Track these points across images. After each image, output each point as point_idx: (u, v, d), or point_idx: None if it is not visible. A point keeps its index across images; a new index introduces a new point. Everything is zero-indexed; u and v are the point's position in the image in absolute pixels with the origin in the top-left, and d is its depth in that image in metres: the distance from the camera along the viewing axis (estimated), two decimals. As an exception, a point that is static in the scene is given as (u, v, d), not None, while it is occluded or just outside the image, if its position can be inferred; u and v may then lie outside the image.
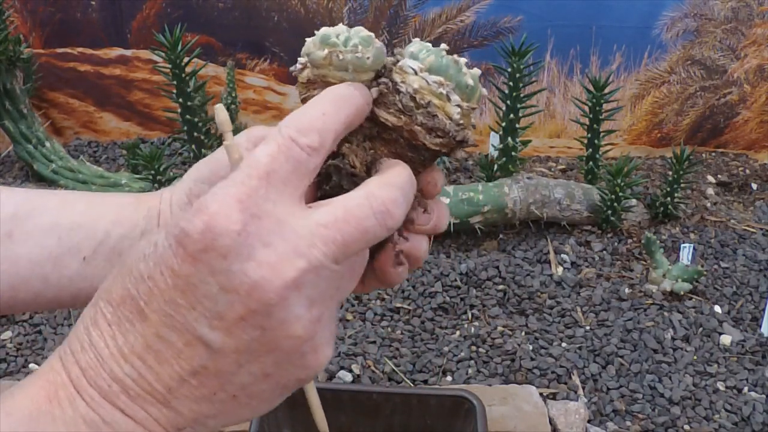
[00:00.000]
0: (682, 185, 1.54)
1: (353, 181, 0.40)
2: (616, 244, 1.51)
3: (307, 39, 0.43)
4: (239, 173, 0.35)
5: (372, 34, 0.41)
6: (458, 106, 0.40)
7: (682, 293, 1.36)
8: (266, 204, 0.35)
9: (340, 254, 0.35)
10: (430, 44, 0.42)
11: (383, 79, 0.41)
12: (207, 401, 0.36)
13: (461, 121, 0.41)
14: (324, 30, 0.41)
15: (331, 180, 0.41)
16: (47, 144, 1.71)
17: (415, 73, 0.40)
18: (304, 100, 0.43)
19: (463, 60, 0.42)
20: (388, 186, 0.37)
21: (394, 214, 0.37)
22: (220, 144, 1.64)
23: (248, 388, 0.36)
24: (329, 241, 0.35)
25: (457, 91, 0.41)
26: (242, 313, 0.34)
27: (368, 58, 0.40)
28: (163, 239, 0.35)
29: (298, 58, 0.43)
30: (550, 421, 1.07)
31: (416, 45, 0.42)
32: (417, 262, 0.44)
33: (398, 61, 0.42)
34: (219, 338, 0.34)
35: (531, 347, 1.23)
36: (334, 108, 0.38)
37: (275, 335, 0.35)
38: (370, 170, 0.41)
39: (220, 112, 0.38)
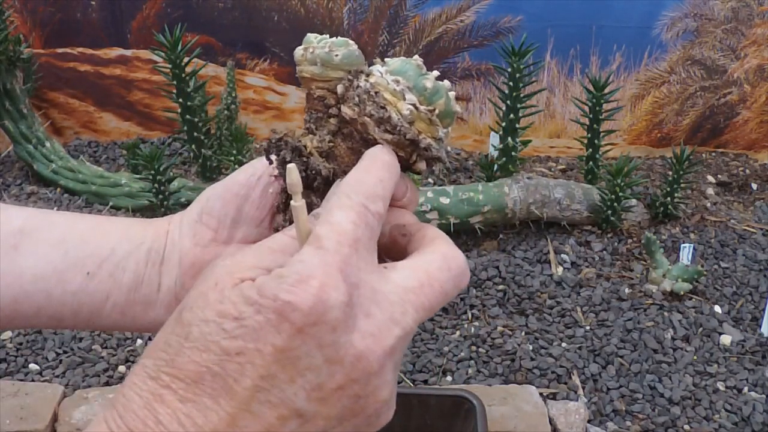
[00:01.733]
0: (682, 185, 1.54)
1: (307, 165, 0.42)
2: (616, 244, 1.51)
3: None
4: (327, 240, 0.35)
5: (351, 42, 0.44)
6: (413, 105, 0.42)
7: (682, 293, 1.36)
8: (359, 272, 0.35)
9: (425, 317, 0.36)
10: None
11: (349, 77, 0.43)
12: None
13: (411, 119, 0.42)
14: (308, 34, 0.45)
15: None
16: (47, 144, 1.71)
17: (381, 76, 0.43)
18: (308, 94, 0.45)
19: (434, 73, 0.43)
20: (454, 247, 0.39)
21: (467, 274, 0.39)
22: (220, 144, 1.64)
23: None
24: (419, 306, 0.36)
25: (414, 91, 0.42)
26: (342, 383, 0.34)
27: (337, 55, 0.43)
28: (252, 312, 0.33)
29: None
30: (550, 421, 1.07)
31: (394, 58, 0.44)
32: None
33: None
34: (314, 408, 0.34)
35: (531, 347, 1.23)
36: (387, 175, 0.39)
37: (366, 401, 0.35)
38: (327, 161, 0.43)
39: (293, 173, 0.37)
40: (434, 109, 0.42)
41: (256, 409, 0.33)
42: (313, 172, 0.42)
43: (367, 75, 0.43)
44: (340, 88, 0.43)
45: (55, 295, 0.48)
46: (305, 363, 0.33)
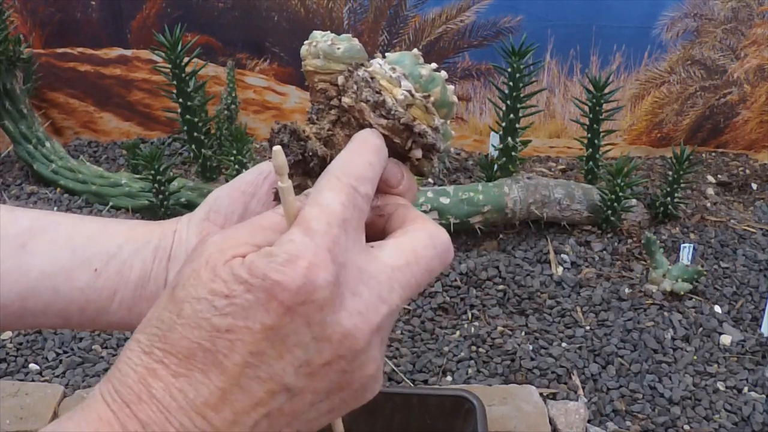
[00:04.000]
0: (682, 185, 1.54)
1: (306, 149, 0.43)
2: (616, 244, 1.51)
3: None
4: (317, 221, 0.35)
5: (354, 38, 0.46)
6: (408, 91, 0.43)
7: (682, 293, 1.36)
8: (347, 253, 0.36)
9: (412, 295, 0.38)
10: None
11: (349, 68, 0.44)
12: None
13: (406, 104, 0.43)
14: (314, 31, 0.47)
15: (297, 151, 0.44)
16: (47, 144, 1.71)
17: (380, 66, 0.44)
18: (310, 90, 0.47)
19: (432, 65, 0.44)
20: (437, 225, 0.40)
21: (451, 251, 0.40)
22: (220, 144, 1.64)
23: (311, 422, 0.37)
24: (405, 285, 0.37)
25: (409, 78, 0.43)
26: (329, 359, 0.35)
27: (339, 48, 0.45)
28: (242, 291, 0.34)
29: None
30: (550, 421, 1.07)
31: (394, 52, 0.46)
32: None
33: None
34: (302, 383, 0.35)
35: (531, 347, 1.23)
36: (376, 158, 0.40)
37: (353, 376, 0.37)
38: (326, 147, 0.44)
39: (279, 156, 0.37)
40: (429, 96, 0.43)
41: (246, 383, 0.34)
42: (311, 154, 0.43)
43: (366, 65, 0.44)
44: (340, 79, 0.44)
45: (63, 292, 0.48)
46: (293, 340, 0.34)
